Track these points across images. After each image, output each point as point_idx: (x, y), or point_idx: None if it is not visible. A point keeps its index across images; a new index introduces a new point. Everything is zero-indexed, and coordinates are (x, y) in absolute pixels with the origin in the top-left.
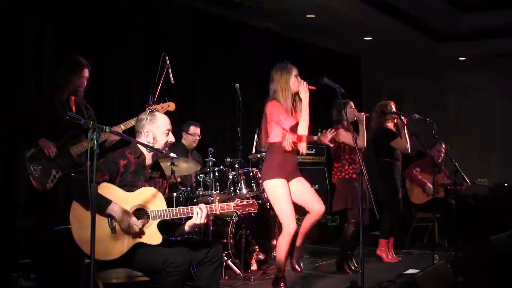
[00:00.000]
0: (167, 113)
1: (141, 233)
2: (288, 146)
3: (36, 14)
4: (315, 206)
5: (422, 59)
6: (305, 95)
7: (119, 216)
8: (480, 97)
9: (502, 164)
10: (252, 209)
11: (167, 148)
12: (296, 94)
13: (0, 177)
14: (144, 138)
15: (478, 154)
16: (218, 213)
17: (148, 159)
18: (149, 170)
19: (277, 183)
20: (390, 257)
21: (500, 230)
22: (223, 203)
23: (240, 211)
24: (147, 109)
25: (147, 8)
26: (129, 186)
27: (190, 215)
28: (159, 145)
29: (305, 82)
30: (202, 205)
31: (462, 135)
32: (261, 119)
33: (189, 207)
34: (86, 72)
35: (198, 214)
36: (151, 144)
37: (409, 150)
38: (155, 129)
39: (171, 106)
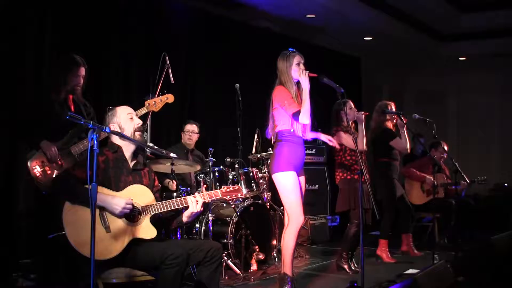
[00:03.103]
0: (167, 105)
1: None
2: (298, 131)
3: (36, 14)
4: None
5: (422, 59)
6: (305, 83)
7: (109, 203)
8: (480, 97)
9: (502, 164)
10: (239, 194)
11: (139, 133)
12: (299, 82)
13: (0, 177)
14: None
15: (478, 154)
16: (207, 201)
17: (127, 151)
18: (132, 163)
19: (288, 175)
20: (390, 257)
21: (500, 230)
22: (211, 191)
23: (228, 197)
24: (146, 103)
25: (147, 8)
26: (114, 183)
27: (179, 206)
28: (127, 132)
29: (306, 71)
30: (197, 194)
31: (462, 135)
32: (261, 119)
33: (177, 198)
34: (82, 71)
35: (193, 202)
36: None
37: (408, 150)
38: (117, 119)
39: (170, 98)
